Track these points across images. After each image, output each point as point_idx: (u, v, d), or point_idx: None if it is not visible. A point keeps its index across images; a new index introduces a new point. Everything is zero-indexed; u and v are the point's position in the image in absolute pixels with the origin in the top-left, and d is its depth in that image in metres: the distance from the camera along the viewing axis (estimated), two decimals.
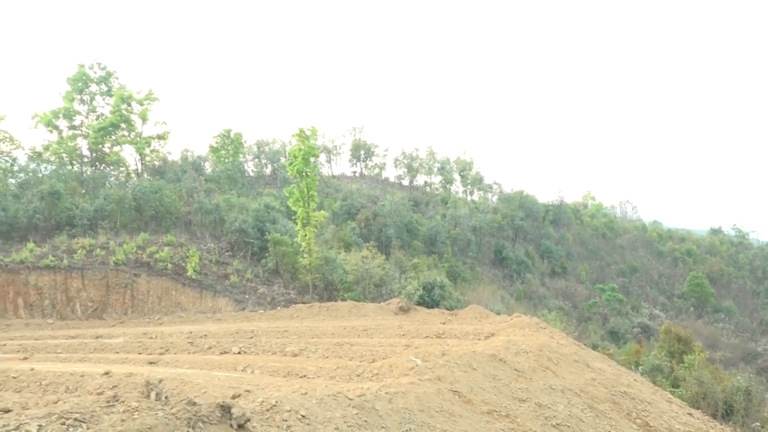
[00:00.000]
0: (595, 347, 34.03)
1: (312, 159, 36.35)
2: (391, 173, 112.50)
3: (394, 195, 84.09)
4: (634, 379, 20.61)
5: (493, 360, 16.15)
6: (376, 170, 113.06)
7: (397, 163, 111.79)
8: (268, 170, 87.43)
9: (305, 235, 35.30)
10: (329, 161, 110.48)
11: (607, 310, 73.49)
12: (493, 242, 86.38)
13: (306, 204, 35.32)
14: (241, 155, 78.14)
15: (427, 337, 23.35)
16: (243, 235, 40.80)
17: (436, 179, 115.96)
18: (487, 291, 53.91)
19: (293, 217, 37.66)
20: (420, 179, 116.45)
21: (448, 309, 31.21)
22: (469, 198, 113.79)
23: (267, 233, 39.70)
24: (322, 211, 37.60)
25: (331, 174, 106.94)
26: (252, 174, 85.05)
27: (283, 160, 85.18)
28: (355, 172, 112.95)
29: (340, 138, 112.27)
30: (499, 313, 30.40)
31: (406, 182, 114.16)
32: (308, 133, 35.61)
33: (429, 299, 32.77)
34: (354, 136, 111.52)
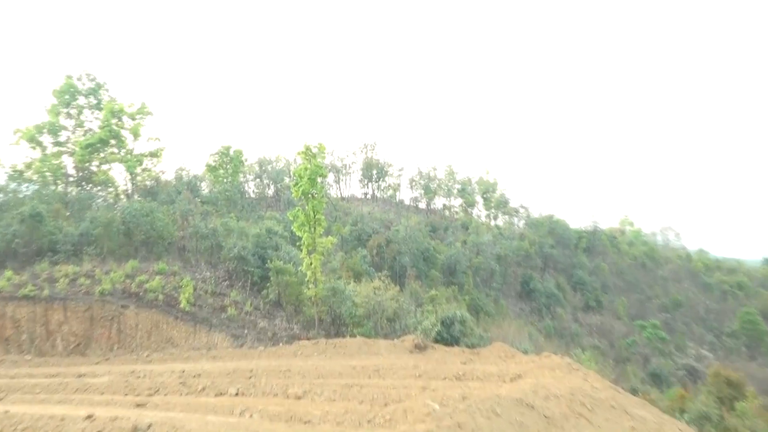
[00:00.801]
0: (634, 392, 33.38)
1: (319, 179, 36.37)
2: (406, 195, 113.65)
3: (410, 219, 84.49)
4: (680, 429, 20.13)
5: (520, 405, 15.87)
6: (390, 192, 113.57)
7: (413, 183, 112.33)
8: (270, 191, 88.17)
9: (311, 264, 35.15)
10: (338, 182, 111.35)
11: (647, 350, 72.30)
12: (520, 272, 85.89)
13: (312, 229, 35.34)
14: (241, 175, 78.96)
15: (445, 378, 23.04)
16: (242, 263, 40.74)
17: (456, 202, 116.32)
18: (513, 327, 53.33)
19: (298, 244, 37.60)
20: (438, 202, 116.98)
21: (469, 347, 30.92)
22: (492, 223, 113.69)
23: (268, 261, 39.63)
24: (329, 237, 37.59)
25: (339, 196, 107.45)
26: (253, 195, 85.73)
27: (287, 180, 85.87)
28: (366, 194, 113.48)
29: (350, 156, 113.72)
30: (526, 352, 29.95)
31: (422, 205, 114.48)
32: (315, 150, 35.75)
33: (448, 336, 32.45)
34: (365, 154, 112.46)
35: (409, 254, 61.02)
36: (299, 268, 37.57)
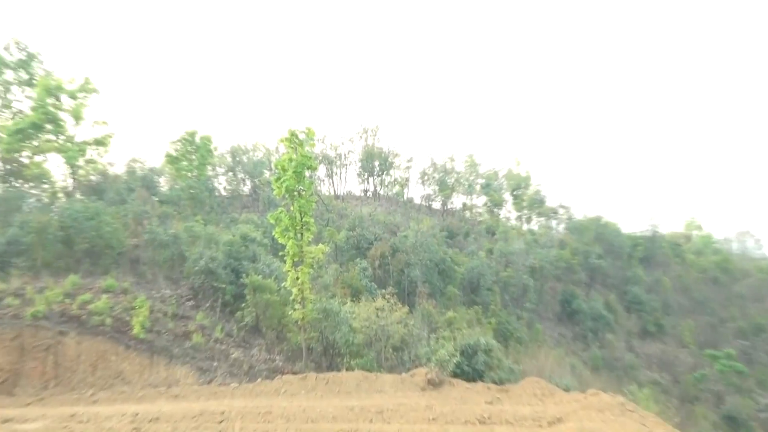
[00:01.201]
0: None
1: (307, 173, 36.21)
2: (416, 192, 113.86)
3: (421, 223, 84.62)
4: None
5: None
6: (396, 188, 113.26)
7: (425, 178, 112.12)
8: (246, 188, 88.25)
9: (297, 279, 34.97)
10: (331, 176, 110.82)
11: (721, 386, 71.79)
12: (560, 289, 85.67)
13: (298, 235, 35.16)
14: (209, 167, 78.95)
15: (466, 422, 22.82)
16: (211, 278, 40.65)
17: (479, 201, 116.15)
18: (552, 357, 53.14)
19: (281, 254, 37.49)
20: (457, 201, 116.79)
21: (496, 383, 30.69)
22: (525, 227, 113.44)
23: (244, 275, 39.47)
24: (320, 245, 37.30)
25: (333, 193, 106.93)
26: (224, 193, 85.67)
27: (267, 174, 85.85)
28: (366, 191, 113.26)
29: (346, 144, 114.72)
30: (568, 389, 29.73)
31: (437, 205, 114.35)
32: (302, 136, 35.43)
33: (469, 369, 32.22)
34: (365, 141, 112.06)
35: (420, 266, 61.03)
36: (282, 285, 37.39)
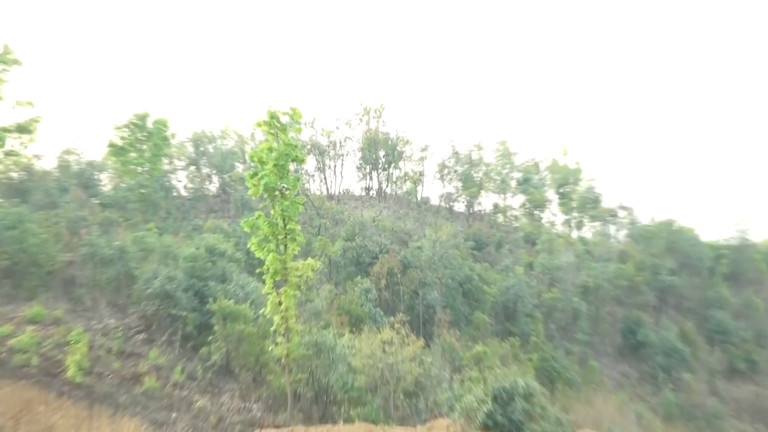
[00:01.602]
0: None
1: (292, 166, 35.97)
2: (433, 191, 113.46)
3: (440, 230, 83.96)
4: None
5: None
6: (407, 185, 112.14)
7: (445, 172, 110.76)
8: (213, 186, 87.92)
9: (279, 304, 34.60)
10: (322, 169, 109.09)
11: None
12: (621, 315, 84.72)
13: (281, 247, 34.85)
14: (165, 160, 78.44)
15: None
16: (168, 304, 40.45)
17: (515, 201, 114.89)
18: (612, 404, 52.78)
19: (258, 271, 36.75)
20: (486, 201, 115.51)
21: None
22: (574, 234, 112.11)
23: (211, 300, 39.21)
24: (309, 260, 36.80)
25: (326, 193, 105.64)
26: (185, 193, 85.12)
27: (240, 168, 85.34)
28: (369, 190, 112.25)
29: (342, 128, 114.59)
30: None
31: (460, 206, 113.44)
32: (285, 119, 35.18)
33: (504, 420, 31.87)
34: (367, 125, 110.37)
35: (439, 286, 60.90)
36: (261, 312, 36.95)
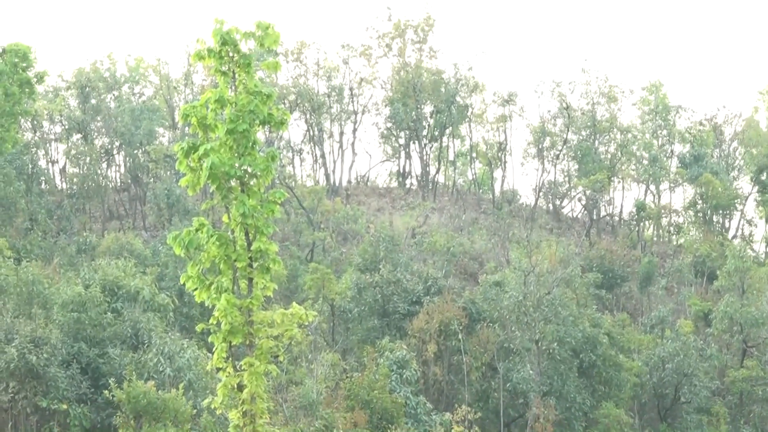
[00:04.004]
0: None
1: (261, 133, 29.92)
2: (523, 180, 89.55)
3: (538, 251, 65.70)
4: None
5: None
6: (477, 168, 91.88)
7: (546, 144, 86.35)
8: (114, 170, 73.54)
9: (238, 389, 23.24)
10: (316, 140, 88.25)
11: None
12: None
13: (240, 284, 24.01)
14: (25, 123, 65.70)
15: None
16: (31, 388, 32.19)
17: (676, 196, 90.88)
18: None
19: (199, 328, 24.72)
20: (622, 198, 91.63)
21: None
22: None
23: (112, 382, 32.16)
24: (295, 308, 24.43)
25: (325, 182, 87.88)
26: (64, 184, 71.64)
27: (165, 138, 69.79)
28: (404, 175, 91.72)
29: (355, 62, 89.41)
30: None
31: (574, 208, 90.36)
32: (249, 44, 23.98)
33: None
34: (401, 55, 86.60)
35: (536, 356, 47.97)
36: (204, 404, 27.21)
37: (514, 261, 58.54)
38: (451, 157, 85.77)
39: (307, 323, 27.42)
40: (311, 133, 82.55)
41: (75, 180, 70.29)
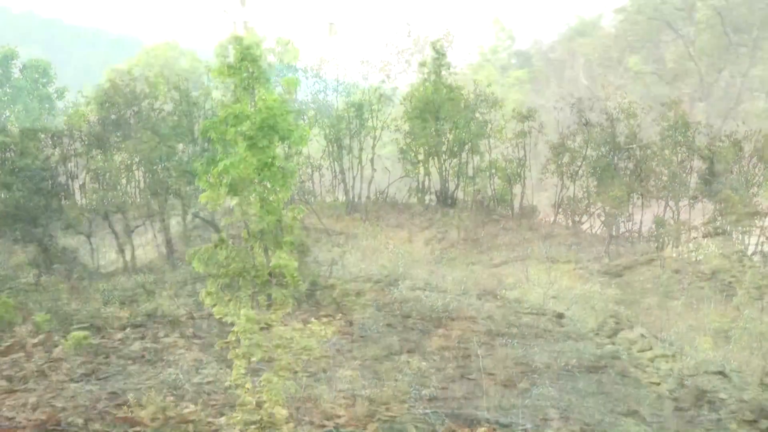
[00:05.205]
0: None
1: (281, 148, 27.04)
2: (544, 197, 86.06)
3: (560, 266, 64.83)
4: None
5: None
6: (496, 183, 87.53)
7: (559, 151, 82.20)
8: (138, 185, 70.54)
9: (254, 416, 23.72)
10: (334, 157, 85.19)
11: None
12: None
13: (255, 300, 25.24)
14: (44, 139, 63.84)
15: None
16: None
17: (696, 213, 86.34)
18: None
19: (218, 348, 27.49)
20: (640, 215, 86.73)
21: None
22: None
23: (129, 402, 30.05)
24: (313, 325, 25.41)
25: (346, 198, 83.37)
26: (81, 202, 68.67)
27: (184, 155, 67.59)
28: (423, 193, 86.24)
29: (371, 79, 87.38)
30: None
31: (590, 224, 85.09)
32: (266, 58, 34.80)
33: None
34: (423, 71, 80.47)
35: (555, 372, 44.15)
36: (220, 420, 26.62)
37: (532, 277, 55.79)
38: (470, 173, 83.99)
39: (326, 339, 27.26)
40: (330, 149, 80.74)
41: (95, 196, 68.16)
